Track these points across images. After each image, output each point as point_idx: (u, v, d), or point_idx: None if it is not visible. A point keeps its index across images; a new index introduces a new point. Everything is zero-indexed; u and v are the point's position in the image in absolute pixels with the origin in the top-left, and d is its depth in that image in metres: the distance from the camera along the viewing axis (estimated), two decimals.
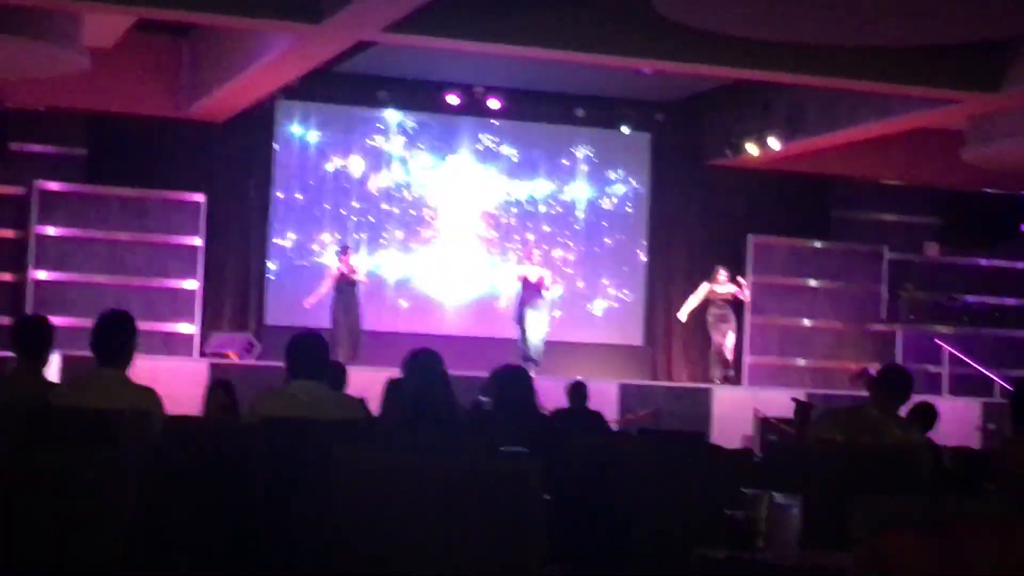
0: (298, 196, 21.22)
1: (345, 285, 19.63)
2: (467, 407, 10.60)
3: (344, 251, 20.02)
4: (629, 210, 22.50)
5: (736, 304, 21.07)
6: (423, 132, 21.68)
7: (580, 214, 22.26)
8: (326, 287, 19.69)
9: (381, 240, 21.46)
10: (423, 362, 7.84)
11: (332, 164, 21.38)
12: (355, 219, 21.37)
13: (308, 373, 7.78)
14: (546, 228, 22.04)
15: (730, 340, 20.97)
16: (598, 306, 22.30)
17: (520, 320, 20.00)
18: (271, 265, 21.06)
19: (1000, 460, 8.17)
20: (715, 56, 15.81)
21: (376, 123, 21.50)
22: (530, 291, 19.97)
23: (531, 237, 21.64)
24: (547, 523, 4.94)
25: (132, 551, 5.28)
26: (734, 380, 21.09)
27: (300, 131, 21.30)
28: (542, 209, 22.11)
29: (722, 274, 20.88)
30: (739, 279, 20.99)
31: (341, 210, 21.35)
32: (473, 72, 20.09)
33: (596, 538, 7.30)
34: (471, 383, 11.92)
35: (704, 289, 20.85)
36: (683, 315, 20.98)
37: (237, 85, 18.19)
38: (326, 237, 21.18)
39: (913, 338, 22.21)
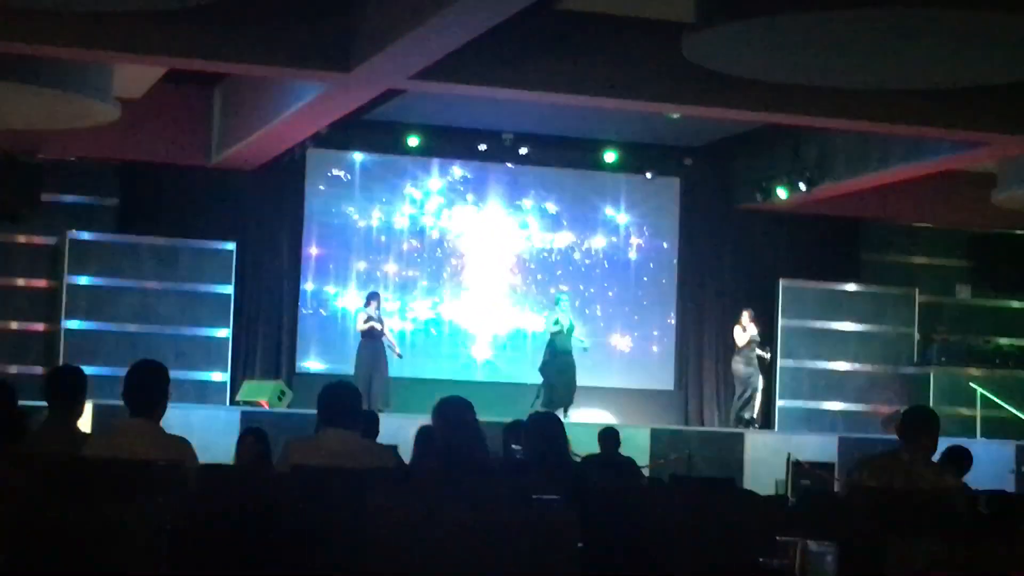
0: (329, 244, 21.26)
1: (373, 332, 19.64)
2: (498, 454, 10.60)
3: (372, 298, 20.03)
4: (659, 254, 22.49)
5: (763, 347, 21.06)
6: (452, 179, 21.72)
7: (610, 259, 22.25)
8: (360, 333, 19.66)
9: (410, 287, 21.48)
10: (453, 410, 7.84)
11: (362, 211, 21.43)
12: (386, 267, 21.40)
13: (340, 422, 7.78)
14: (575, 274, 22.04)
15: (759, 384, 20.93)
16: (629, 351, 22.26)
17: (545, 368, 20.01)
18: (303, 311, 21.09)
19: None
20: (743, 100, 15.81)
21: (405, 170, 21.56)
22: (561, 336, 20.00)
23: (564, 288, 21.58)
24: (581, 571, 4.93)
25: None
26: (760, 425, 21.01)
27: (330, 178, 21.35)
28: (573, 255, 22.11)
29: (746, 317, 20.87)
30: (762, 353, 20.94)
31: (371, 256, 21.39)
32: (502, 118, 20.14)
33: None
34: (499, 430, 11.93)
35: (739, 335, 20.84)
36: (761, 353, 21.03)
37: (267, 134, 18.25)
38: (356, 285, 21.20)
39: (945, 381, 22.12)
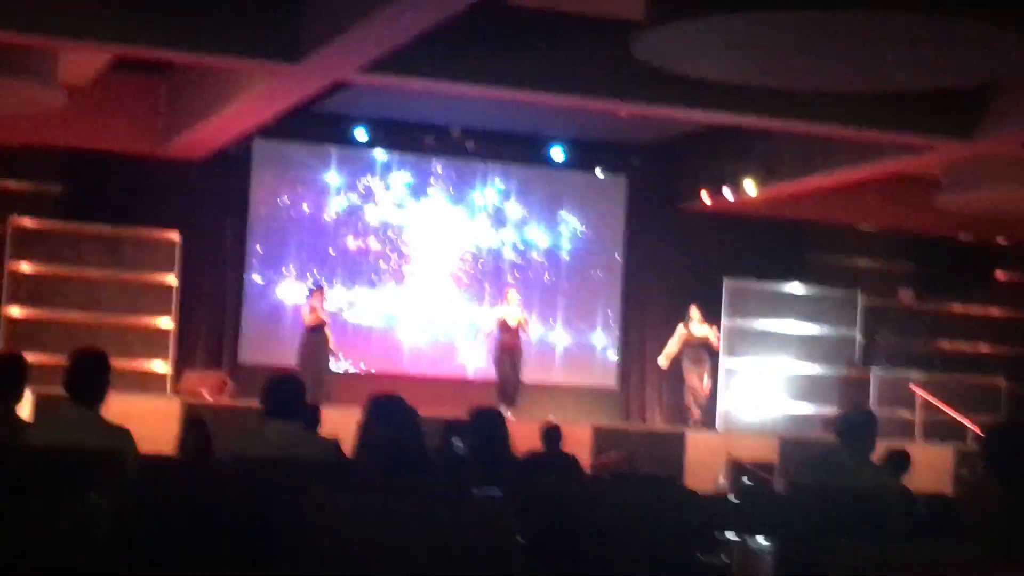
0: (273, 235, 21.20)
1: (316, 325, 19.62)
2: (437, 449, 10.59)
3: (315, 291, 20.01)
4: (605, 252, 22.52)
5: (709, 346, 21.10)
6: (398, 172, 21.70)
7: (555, 256, 22.27)
8: (312, 321, 19.61)
9: (355, 280, 21.45)
10: (387, 407, 7.82)
11: (307, 203, 21.36)
12: (330, 259, 21.36)
13: (283, 414, 7.77)
14: (520, 270, 22.06)
15: (704, 383, 21.01)
16: (572, 349, 22.29)
17: (498, 363, 20.05)
18: (247, 303, 21.02)
19: (970, 506, 8.18)
20: (691, 100, 15.86)
21: (352, 163, 21.51)
22: (509, 334, 20.03)
23: (510, 279, 21.62)
24: (521, 568, 4.93)
25: None
26: (707, 423, 21.10)
27: (276, 170, 21.28)
28: (517, 251, 22.12)
29: (695, 314, 20.93)
30: (713, 328, 21.01)
31: (315, 249, 21.34)
32: (450, 113, 20.13)
33: None
34: (440, 425, 11.91)
35: (680, 332, 20.91)
36: (663, 362, 21.05)
37: (214, 124, 18.18)
38: (300, 277, 21.15)
39: (887, 383, 22.24)
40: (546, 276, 22.20)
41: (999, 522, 6.80)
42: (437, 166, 21.79)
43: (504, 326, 20.08)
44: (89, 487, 6.17)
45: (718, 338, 21.10)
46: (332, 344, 19.76)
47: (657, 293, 22.52)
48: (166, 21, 14.11)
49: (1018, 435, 7.69)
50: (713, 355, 21.30)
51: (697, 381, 20.94)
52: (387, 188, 21.66)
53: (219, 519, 6.89)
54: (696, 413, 20.90)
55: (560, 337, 22.23)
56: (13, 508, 5.10)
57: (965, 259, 23.31)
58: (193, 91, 18.50)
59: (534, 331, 21.03)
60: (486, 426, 8.80)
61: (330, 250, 21.39)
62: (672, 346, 20.92)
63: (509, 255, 22.08)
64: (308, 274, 21.13)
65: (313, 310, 19.62)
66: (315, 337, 19.58)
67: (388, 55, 14.16)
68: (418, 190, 21.77)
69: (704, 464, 18.79)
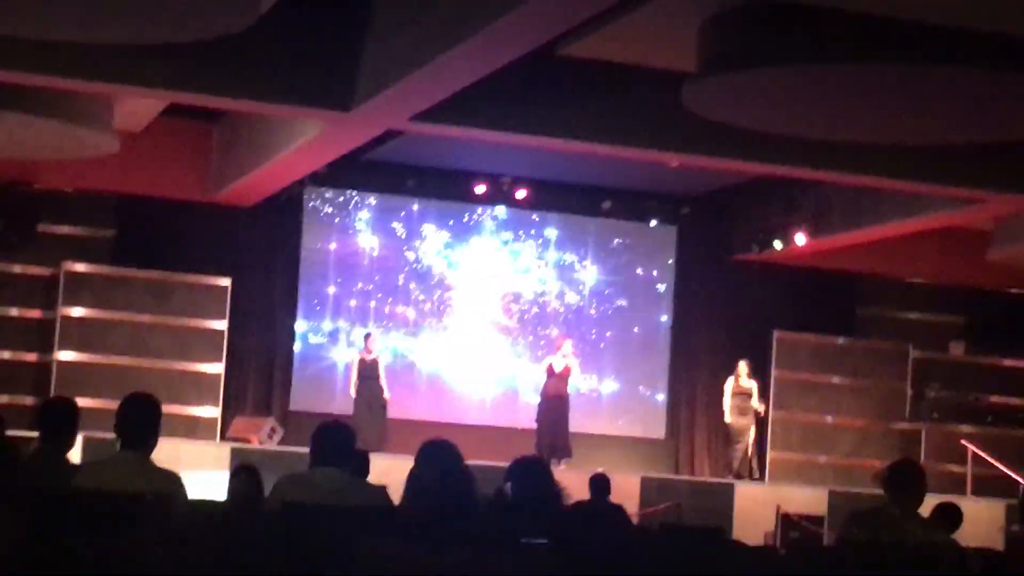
0: (325, 282, 21.27)
1: (368, 372, 19.68)
2: (488, 496, 10.56)
3: (367, 339, 20.10)
4: (654, 302, 22.50)
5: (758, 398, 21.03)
6: (450, 221, 21.75)
7: (604, 306, 22.26)
8: (355, 374, 19.74)
9: (406, 328, 21.48)
10: (438, 453, 7.82)
11: (359, 250, 21.44)
12: (381, 307, 21.41)
13: (331, 460, 7.78)
14: (570, 320, 22.05)
15: (750, 436, 20.92)
16: (621, 398, 22.25)
17: (541, 412, 19.97)
18: (297, 349, 21.09)
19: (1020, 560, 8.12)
20: (742, 151, 15.86)
21: (404, 211, 21.58)
22: (556, 381, 19.97)
23: (559, 329, 21.59)
24: None
25: None
26: (754, 476, 20.99)
27: (327, 217, 21.36)
28: (567, 300, 22.12)
29: (744, 369, 20.86)
30: (755, 383, 20.89)
31: (366, 297, 21.40)
32: (501, 162, 20.18)
33: None
34: (492, 473, 11.90)
35: (730, 385, 20.85)
36: (728, 418, 20.93)
37: (266, 170, 18.27)
38: (351, 324, 21.21)
39: (937, 437, 22.10)
40: (596, 326, 22.17)
41: None
42: (487, 215, 21.83)
43: (551, 372, 20.02)
44: (138, 531, 6.19)
45: (759, 398, 20.94)
46: (385, 391, 19.79)
47: (706, 344, 22.46)
48: (220, 69, 14.20)
49: None
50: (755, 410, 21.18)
51: (743, 433, 20.83)
52: (438, 236, 21.70)
53: (266, 565, 6.90)
54: (740, 465, 20.78)
55: (609, 387, 22.19)
56: (64, 551, 5.12)
57: (1016, 312, 23.18)
58: (245, 138, 18.61)
59: (583, 381, 20.99)
60: (529, 474, 8.77)
61: (382, 298, 21.42)
62: (728, 400, 20.86)
63: (558, 304, 22.07)
64: (358, 321, 21.17)
65: (362, 361, 19.71)
66: (367, 384, 19.63)
67: (439, 104, 14.21)
68: (467, 239, 21.81)
69: (752, 516, 18.69)
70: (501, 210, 21.80)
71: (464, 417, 21.05)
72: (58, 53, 13.60)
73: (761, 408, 20.98)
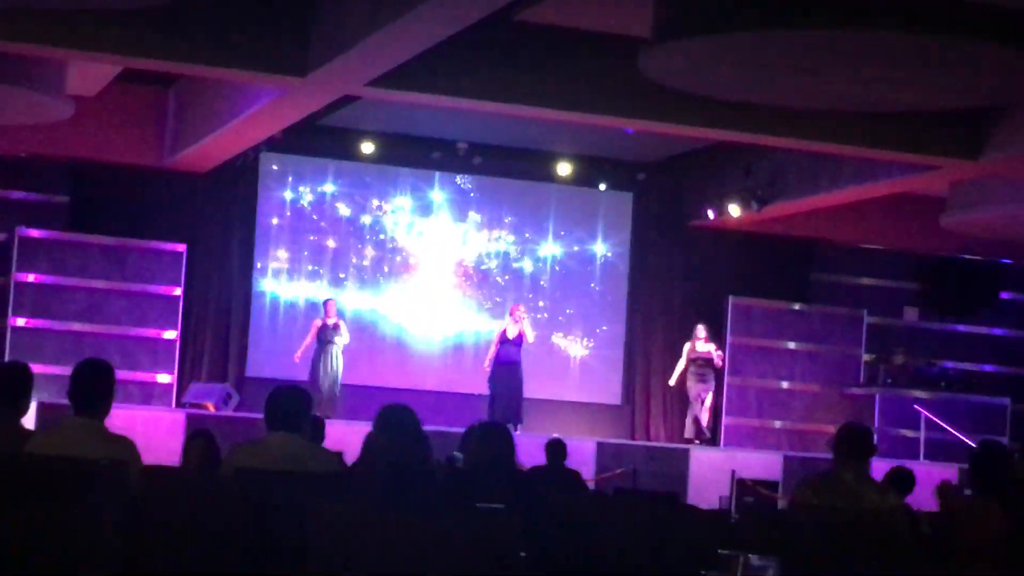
0: (280, 248, 21.23)
1: (327, 338, 19.67)
2: (441, 462, 10.59)
3: (325, 304, 20.08)
4: (610, 269, 22.53)
5: (714, 365, 21.09)
6: (404, 186, 21.72)
7: (560, 272, 22.29)
8: (310, 339, 19.75)
9: (361, 293, 21.46)
10: (395, 417, 7.84)
11: (314, 216, 21.40)
12: (337, 272, 21.40)
13: (286, 426, 7.77)
14: (525, 285, 22.07)
15: (707, 401, 21.01)
16: (577, 364, 22.30)
17: (492, 378, 20.00)
18: (254, 315, 21.04)
19: (956, 522, 8.19)
20: (697, 117, 15.87)
21: (359, 177, 21.53)
22: (507, 347, 19.99)
23: (517, 296, 21.60)
24: None
25: None
26: (710, 441, 21.09)
27: (283, 183, 21.31)
28: (523, 265, 22.13)
29: (701, 333, 20.93)
30: (717, 350, 20.97)
31: (322, 262, 21.37)
32: (455, 128, 20.15)
33: None
34: (448, 439, 11.93)
35: (686, 349, 20.93)
36: (673, 381, 21.04)
37: (221, 136, 18.20)
38: (307, 288, 21.18)
39: (891, 402, 22.24)
40: (551, 291, 22.19)
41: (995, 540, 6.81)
42: (443, 180, 21.81)
43: (503, 338, 20.04)
44: (92, 497, 6.18)
45: (720, 356, 21.08)
46: (340, 358, 19.78)
47: (662, 310, 22.51)
48: (174, 34, 14.14)
49: (999, 453, 7.71)
50: (717, 373, 21.29)
51: (700, 399, 20.93)
52: (393, 201, 21.68)
53: (221, 530, 6.90)
54: (697, 430, 20.89)
55: (565, 352, 22.23)
56: (15, 517, 5.11)
57: (970, 279, 23.30)
58: (200, 104, 18.54)
59: (539, 347, 21.01)
60: (491, 440, 8.80)
61: (337, 263, 21.40)
62: (680, 364, 20.95)
63: (514, 270, 22.08)
64: (313, 287, 21.14)
65: (323, 326, 19.70)
66: (322, 350, 19.63)
67: (395, 70, 14.18)
68: (423, 204, 21.79)
69: (707, 481, 18.77)
70: (457, 176, 21.77)
71: (419, 383, 21.04)
72: (11, 17, 13.52)
73: (719, 362, 21.02)
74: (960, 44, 11.83)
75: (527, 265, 22.17)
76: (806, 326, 22.60)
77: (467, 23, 12.49)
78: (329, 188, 21.48)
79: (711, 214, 21.30)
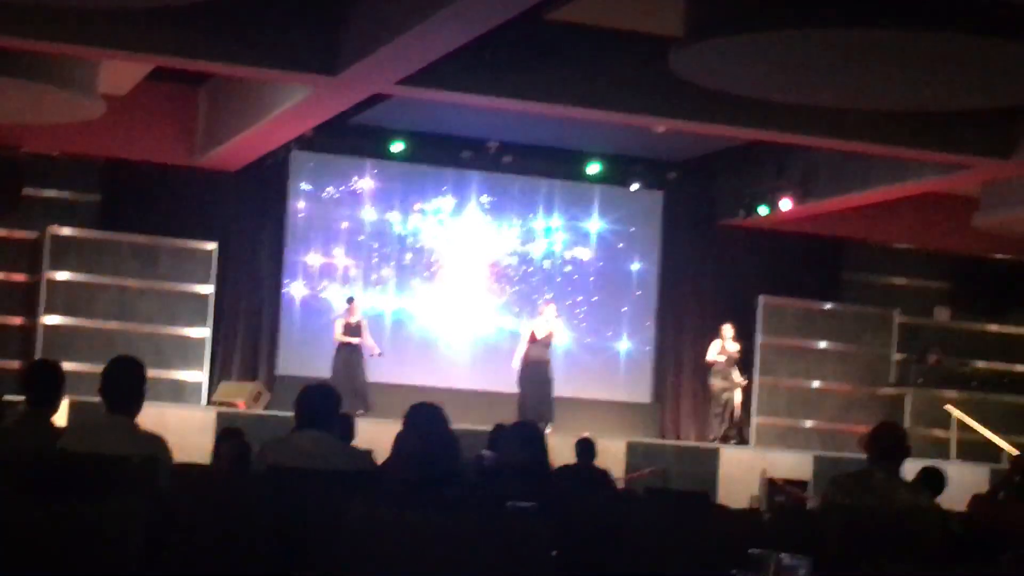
0: (310, 246, 21.25)
1: (351, 335, 19.70)
2: (470, 461, 10.59)
3: (350, 302, 20.09)
4: (641, 267, 22.51)
5: (741, 364, 21.07)
6: (436, 185, 21.73)
7: (591, 270, 22.27)
8: (340, 336, 19.76)
9: (391, 291, 21.48)
10: (424, 417, 7.83)
11: (345, 215, 21.42)
12: (367, 271, 21.42)
13: (315, 423, 7.78)
14: (556, 284, 22.05)
15: (734, 400, 20.98)
16: (607, 363, 22.27)
17: (522, 378, 19.96)
18: (284, 313, 21.07)
19: (991, 523, 8.15)
20: (729, 116, 15.86)
21: (390, 175, 21.55)
22: (537, 347, 19.98)
23: (549, 295, 21.54)
24: None
25: None
26: (738, 440, 21.05)
27: (313, 181, 21.34)
28: (552, 265, 22.12)
29: (728, 332, 20.91)
30: (739, 380, 20.96)
31: (352, 261, 21.39)
32: (486, 126, 20.15)
33: None
34: (477, 438, 11.92)
35: (715, 348, 20.90)
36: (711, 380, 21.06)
37: (251, 135, 18.24)
38: (337, 287, 21.20)
39: (922, 402, 22.16)
40: (581, 290, 22.17)
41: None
42: (473, 179, 21.81)
43: (533, 338, 20.03)
44: (123, 494, 6.19)
45: (741, 371, 21.01)
46: (376, 348, 19.82)
47: (693, 309, 22.48)
48: (205, 33, 14.17)
49: None
50: (740, 373, 21.24)
51: (726, 398, 20.91)
52: (423, 200, 21.69)
53: (250, 527, 6.91)
54: (728, 429, 20.85)
55: (595, 352, 22.20)
56: (47, 513, 5.12)
57: (1001, 278, 23.21)
58: (231, 102, 18.58)
59: (569, 346, 20.98)
60: (522, 437, 8.80)
61: (367, 262, 21.42)
62: (715, 357, 20.95)
63: (545, 268, 22.07)
64: (344, 285, 21.16)
65: (347, 326, 19.71)
66: (347, 349, 19.65)
67: (426, 68, 14.20)
68: (454, 203, 21.80)
69: (737, 480, 18.75)
70: (487, 174, 21.76)
71: (449, 381, 21.04)
72: (44, 17, 13.58)
73: (742, 381, 21.02)
74: (993, 43, 11.78)
75: (557, 264, 22.15)
76: (837, 325, 22.53)
77: (497, 22, 12.50)
78: (359, 186, 21.50)
79: (742, 213, 21.29)
